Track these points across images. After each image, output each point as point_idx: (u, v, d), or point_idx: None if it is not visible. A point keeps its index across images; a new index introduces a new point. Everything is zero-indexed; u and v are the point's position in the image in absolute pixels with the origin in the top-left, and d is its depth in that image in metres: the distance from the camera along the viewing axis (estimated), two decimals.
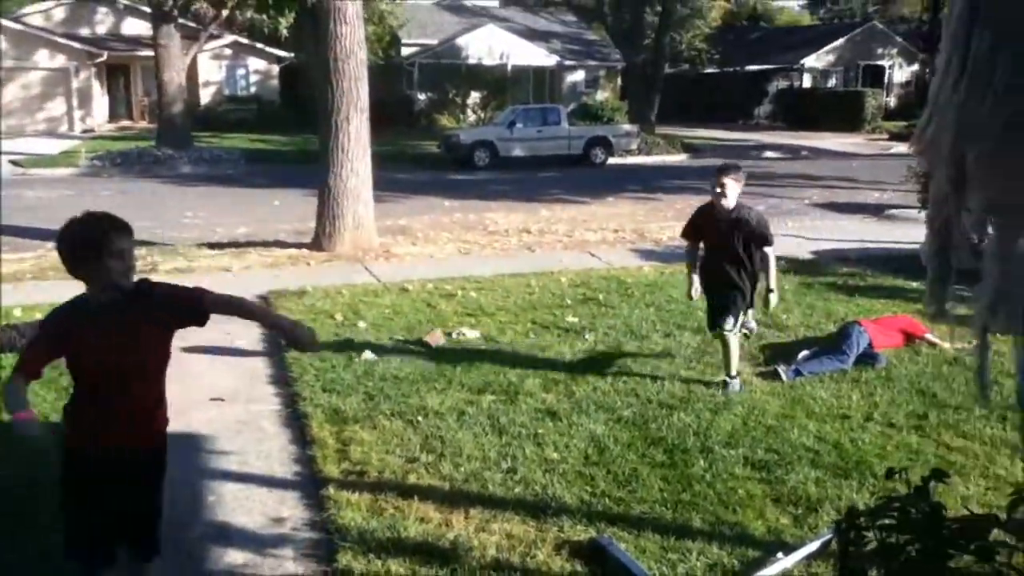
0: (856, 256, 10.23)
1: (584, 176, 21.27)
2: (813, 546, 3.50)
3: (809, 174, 20.82)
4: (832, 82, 41.69)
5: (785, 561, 3.42)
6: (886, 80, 41.58)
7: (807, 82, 41.50)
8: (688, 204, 15.95)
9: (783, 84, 41.59)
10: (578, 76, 39.70)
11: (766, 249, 5.50)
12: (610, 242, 11.77)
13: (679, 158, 26.60)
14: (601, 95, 38.28)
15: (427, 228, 12.97)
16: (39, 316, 7.05)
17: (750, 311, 5.79)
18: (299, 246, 10.96)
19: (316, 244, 10.85)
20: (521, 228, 12.96)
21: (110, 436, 2.84)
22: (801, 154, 27.51)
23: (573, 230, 12.74)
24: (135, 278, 2.86)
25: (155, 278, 3.07)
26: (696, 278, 5.81)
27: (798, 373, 5.80)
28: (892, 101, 41.09)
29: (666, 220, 13.88)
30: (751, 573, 3.37)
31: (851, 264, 9.70)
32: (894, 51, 42.12)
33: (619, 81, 39.63)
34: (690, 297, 5.97)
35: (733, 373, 5.60)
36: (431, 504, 4.04)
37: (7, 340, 6.29)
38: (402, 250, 11.04)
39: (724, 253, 5.51)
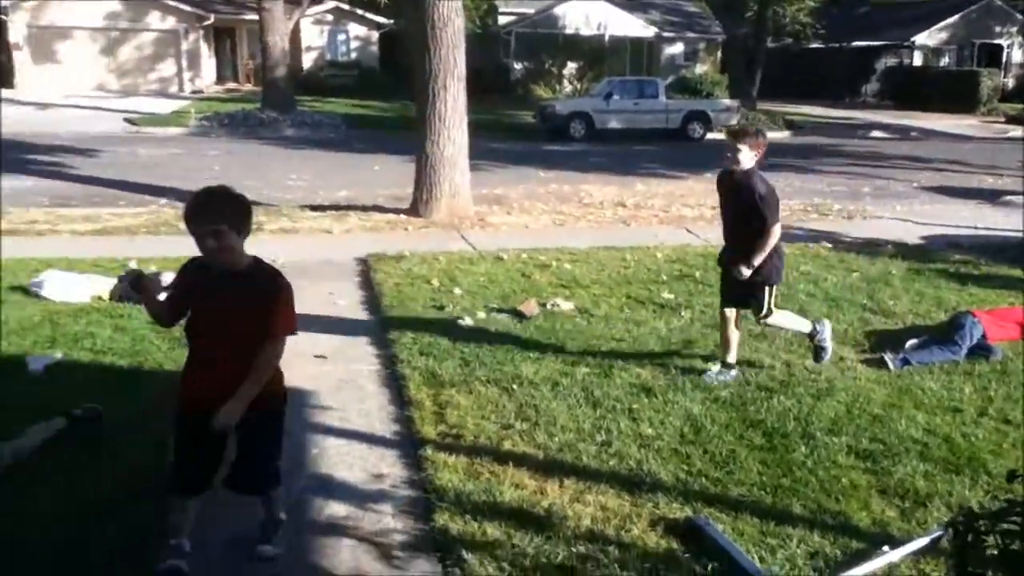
0: (969, 243, 9.77)
1: (681, 151, 20.89)
2: (922, 542, 3.38)
3: (918, 156, 19.97)
4: (945, 61, 39.73)
5: (891, 555, 3.32)
6: (1004, 60, 39.38)
7: (918, 60, 39.64)
8: (788, 183, 15.59)
9: (892, 62, 39.82)
10: (677, 48, 38.92)
11: (768, 227, 5.03)
12: (708, 219, 11.52)
13: (781, 135, 25.83)
14: (700, 68, 37.46)
15: (522, 198, 12.98)
16: (153, 268, 7.38)
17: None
18: (397, 211, 11.11)
19: (413, 210, 10.98)
20: (616, 201, 12.84)
21: (215, 394, 3.02)
22: (910, 135, 26.40)
23: (670, 205, 12.55)
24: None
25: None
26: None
27: (906, 362, 5.59)
28: (1010, 82, 38.93)
29: None
30: (855, 564, 3.28)
31: (963, 251, 9.27)
32: (1013, 29, 39.81)
33: (719, 54, 38.69)
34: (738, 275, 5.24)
35: (730, 360, 5.35)
36: (526, 471, 4.06)
37: (124, 290, 6.58)
38: (497, 219, 11.07)
39: (745, 222, 5.13)
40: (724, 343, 5.42)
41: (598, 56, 34.89)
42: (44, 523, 3.54)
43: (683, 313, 6.74)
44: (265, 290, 3.09)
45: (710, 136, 23.66)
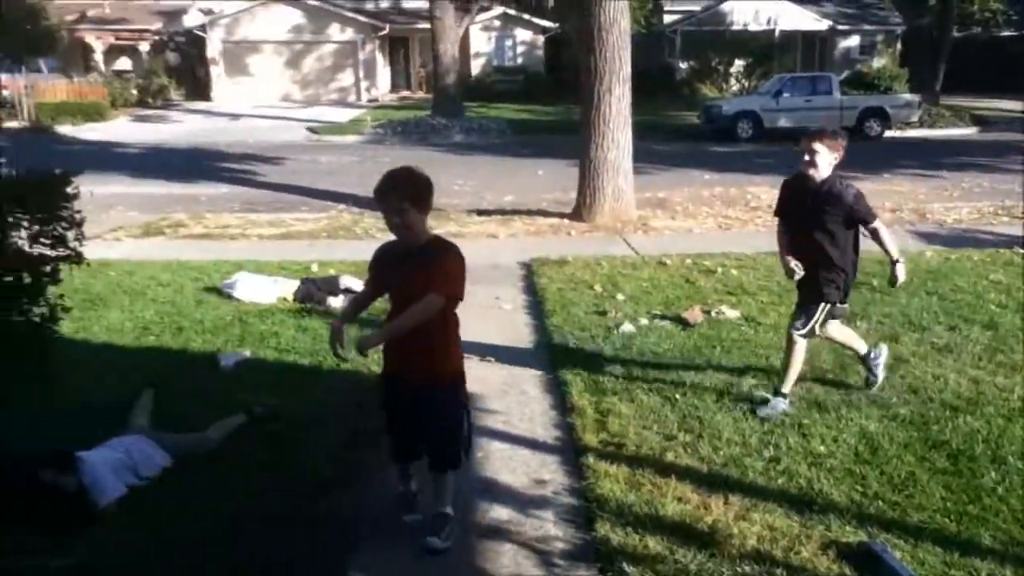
0: None
1: (857, 150, 19.48)
2: None
3: None
4: None
5: None
6: None
7: None
8: (977, 183, 14.53)
9: None
10: (852, 41, 37.09)
11: (874, 225, 4.81)
12: (887, 222, 10.65)
13: (967, 132, 24.16)
14: (878, 62, 35.41)
15: (686, 201, 12.78)
16: (332, 272, 7.80)
17: (839, 308, 4.94)
18: (560, 216, 11.21)
19: (576, 214, 11.04)
20: None
21: (403, 368, 3.48)
22: None
23: None
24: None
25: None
26: (791, 258, 4.83)
27: None
28: None
29: (951, 200, 12.71)
30: None
31: None
32: None
33: (898, 47, 36.52)
34: (790, 274, 4.89)
35: (785, 390, 4.84)
36: (689, 484, 4.00)
37: (305, 292, 6.99)
38: (660, 223, 10.96)
39: (811, 233, 4.78)
40: (785, 367, 4.90)
41: (767, 52, 33.73)
42: (236, 504, 3.82)
43: (858, 323, 6.42)
44: (436, 256, 3.39)
45: (888, 133, 22.44)
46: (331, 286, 7.15)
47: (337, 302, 6.92)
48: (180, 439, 4.22)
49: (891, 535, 3.54)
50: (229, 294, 7.10)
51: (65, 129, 23.91)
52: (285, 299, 7.04)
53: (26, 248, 2.21)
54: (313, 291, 7.01)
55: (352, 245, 9.51)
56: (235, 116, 28.35)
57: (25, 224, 2.20)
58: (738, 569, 3.29)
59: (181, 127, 25.78)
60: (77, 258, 2.40)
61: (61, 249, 2.34)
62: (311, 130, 24.01)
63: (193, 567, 3.39)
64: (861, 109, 22.47)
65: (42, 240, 2.28)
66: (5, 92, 25.65)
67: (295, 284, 7.18)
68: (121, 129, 25.08)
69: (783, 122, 22.21)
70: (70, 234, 2.34)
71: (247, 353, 5.78)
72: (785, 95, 22.44)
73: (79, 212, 2.44)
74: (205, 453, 4.21)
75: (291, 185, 14.59)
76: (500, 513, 3.83)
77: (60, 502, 3.44)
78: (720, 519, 3.68)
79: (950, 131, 24.08)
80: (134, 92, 31.18)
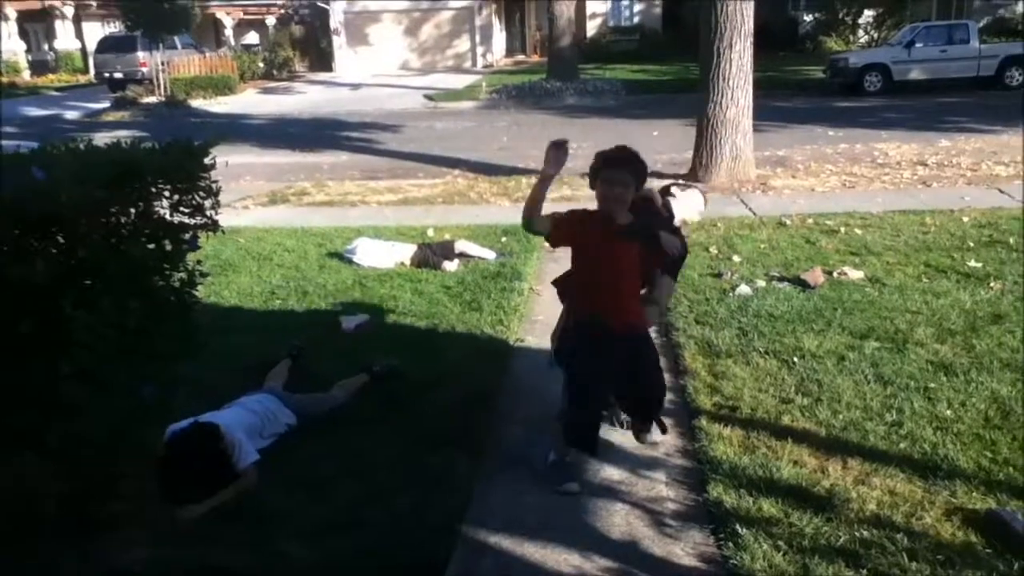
0: None
1: (995, 101, 18.66)
2: None
3: None
4: None
5: None
6: None
7: None
8: None
9: None
10: None
11: None
12: None
13: None
14: (1022, 7, 32.92)
15: (808, 159, 12.35)
16: (447, 236, 7.95)
17: None
18: (675, 176, 11.01)
19: (692, 174, 10.84)
20: (916, 160, 11.81)
21: (597, 319, 3.65)
22: None
23: (979, 163, 11.32)
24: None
25: (544, 207, 3.63)
26: None
27: None
28: None
29: None
30: None
31: None
32: None
33: None
34: None
35: None
36: (805, 448, 3.92)
37: (422, 257, 7.17)
38: (780, 183, 10.64)
39: None
40: None
41: (899, 1, 31.86)
42: (364, 460, 4.00)
43: (992, 284, 6.10)
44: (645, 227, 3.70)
45: None
46: (446, 251, 7.29)
47: (452, 266, 7.06)
48: (306, 399, 4.42)
49: (1022, 503, 3.39)
50: (350, 259, 7.35)
51: (197, 103, 25.08)
52: (403, 264, 7.23)
53: (167, 217, 2.37)
54: (429, 256, 7.18)
55: (467, 210, 9.65)
56: (355, 86, 29.03)
57: (166, 194, 2.36)
58: (856, 534, 3.22)
59: (304, 98, 26.61)
60: (213, 226, 2.55)
61: (199, 217, 2.49)
62: (428, 97, 24.34)
63: (312, 523, 3.57)
64: (1002, 58, 20.99)
65: (181, 209, 2.44)
66: (144, 69, 27.09)
67: (412, 248, 7.36)
68: (249, 101, 26.12)
69: (914, 74, 21.07)
70: (207, 203, 2.50)
71: (367, 316, 5.99)
72: (918, 45, 21.21)
73: (216, 182, 2.59)
74: (328, 411, 4.40)
75: (408, 152, 14.88)
76: (611, 473, 3.87)
77: (214, 470, 3.66)
78: (838, 483, 3.60)
79: None
80: (261, 65, 32.35)
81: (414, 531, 3.41)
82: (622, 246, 3.64)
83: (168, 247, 2.40)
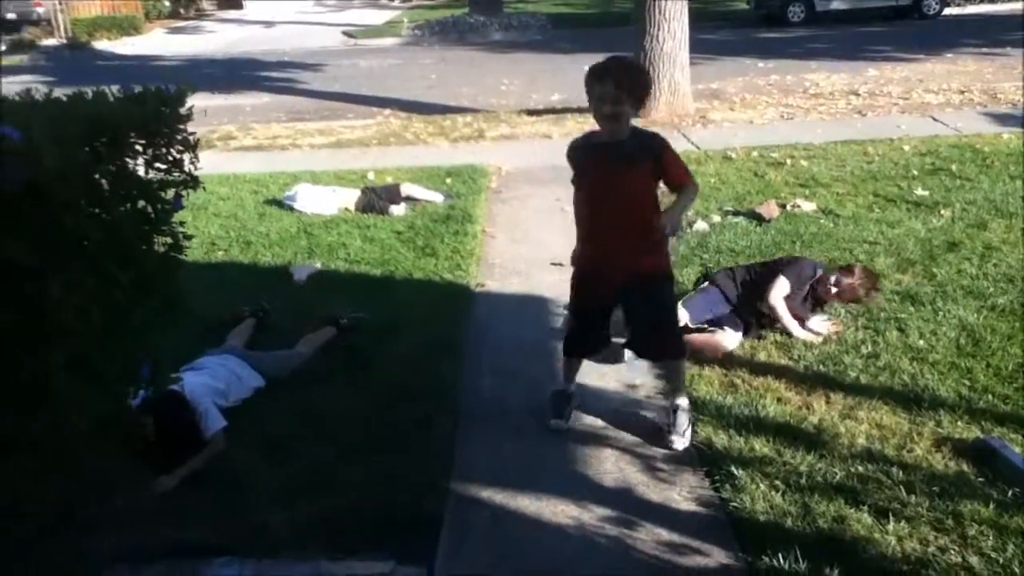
0: None
1: (915, 30, 18.97)
2: None
3: None
4: None
5: None
6: None
7: None
8: None
9: None
10: None
11: None
12: (955, 105, 10.46)
13: (1014, 6, 22.82)
14: None
15: (742, 91, 12.33)
16: (389, 179, 7.67)
17: None
18: None
19: None
20: (847, 90, 11.89)
21: (607, 257, 3.42)
22: None
23: (909, 91, 11.46)
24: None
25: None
26: None
27: None
28: None
29: (1021, 79, 12.05)
30: None
31: None
32: None
33: None
34: None
35: None
36: (785, 384, 3.90)
37: (367, 202, 6.89)
38: (719, 116, 10.59)
39: None
40: None
41: None
42: (334, 419, 3.81)
43: (942, 212, 6.18)
44: (651, 147, 3.35)
45: (948, 11, 21.30)
46: (391, 195, 7.03)
47: (399, 210, 6.81)
48: (271, 358, 4.18)
49: (1006, 429, 3.43)
50: (291, 206, 7.02)
51: (102, 44, 23.68)
52: (347, 209, 6.94)
53: (142, 174, 2.09)
54: (375, 200, 6.90)
55: (405, 151, 9.34)
56: (269, 23, 27.82)
57: (139, 149, 2.07)
58: (851, 469, 3.20)
59: (216, 37, 25.38)
60: (194, 183, 2.28)
61: (177, 173, 2.21)
62: (347, 34, 23.48)
63: (292, 486, 3.39)
64: None
65: (157, 165, 2.15)
66: (40, 9, 25.37)
67: (355, 193, 7.06)
68: (157, 42, 24.78)
69: (836, 4, 21.15)
70: (186, 157, 2.21)
71: (318, 265, 5.73)
72: None
73: (193, 133, 2.30)
74: (294, 369, 4.18)
75: (334, 92, 14.32)
76: (594, 420, 3.77)
77: (182, 439, 3.43)
78: (825, 419, 3.58)
79: (1013, 5, 22.72)
80: (167, 4, 30.70)
81: (401, 490, 3.26)
82: (623, 171, 3.31)
83: (149, 209, 2.13)
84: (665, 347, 3.60)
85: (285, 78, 16.33)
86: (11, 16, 26.36)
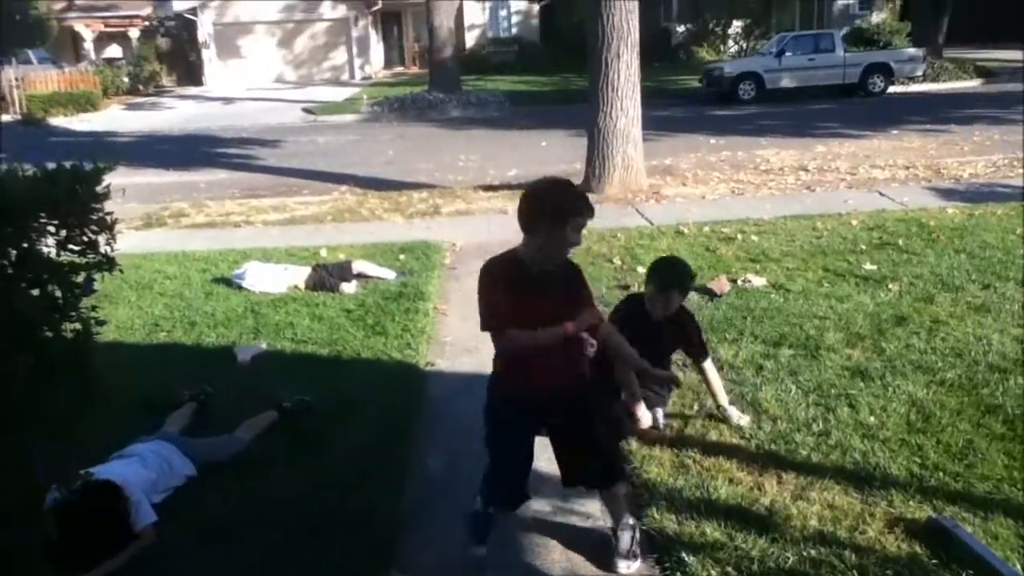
0: None
1: (862, 107, 19.65)
2: None
3: None
4: None
5: None
6: None
7: None
8: (987, 135, 14.28)
9: None
10: None
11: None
12: (901, 180, 10.73)
13: (971, 84, 23.84)
14: (877, 17, 34.97)
15: (694, 167, 12.55)
16: (342, 256, 7.59)
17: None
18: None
19: (586, 185, 10.77)
20: (797, 166, 12.17)
21: (543, 383, 3.09)
22: None
23: (856, 167, 11.76)
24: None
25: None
26: None
27: None
28: None
29: (963, 154, 12.48)
30: None
31: None
32: None
33: (898, 0, 35.94)
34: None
35: None
36: (736, 464, 3.83)
37: (317, 279, 6.79)
38: (672, 191, 10.73)
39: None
40: None
41: (765, 11, 33.26)
42: (275, 507, 3.65)
43: (890, 286, 6.23)
44: (577, 278, 3.18)
45: (892, 89, 22.13)
46: (343, 272, 6.94)
47: (350, 288, 6.72)
48: (207, 445, 4.02)
49: (958, 508, 3.38)
50: (239, 284, 6.89)
51: (58, 120, 23.58)
52: (297, 287, 6.84)
53: (53, 257, 1.98)
54: (325, 278, 6.81)
55: (359, 227, 9.29)
56: (228, 100, 27.97)
57: (51, 230, 1.97)
58: (804, 553, 3.12)
59: (174, 113, 25.43)
60: (109, 265, 2.17)
61: (92, 255, 2.10)
62: (307, 111, 23.66)
63: None
64: (865, 66, 22.07)
65: (70, 247, 2.05)
66: None
67: (306, 271, 6.96)
68: (114, 117, 24.73)
69: (786, 82, 21.90)
70: (101, 239, 2.11)
71: (263, 345, 5.60)
72: (788, 54, 22.06)
73: (111, 213, 2.19)
74: (233, 456, 4.02)
75: (291, 168, 14.33)
76: (541, 505, 3.65)
77: (109, 532, 3.25)
78: (776, 500, 3.51)
79: (954, 84, 23.73)
80: (125, 80, 30.76)
81: None
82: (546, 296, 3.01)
83: (57, 293, 2.02)
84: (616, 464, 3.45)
85: (242, 154, 16.33)
86: None
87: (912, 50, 23.60)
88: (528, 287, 2.96)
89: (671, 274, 4.22)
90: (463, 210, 9.98)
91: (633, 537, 3.22)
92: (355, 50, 34.91)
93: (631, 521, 3.27)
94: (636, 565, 3.19)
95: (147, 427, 4.16)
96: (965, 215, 8.38)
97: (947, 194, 9.60)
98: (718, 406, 4.30)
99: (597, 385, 3.38)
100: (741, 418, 4.23)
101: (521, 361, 3.06)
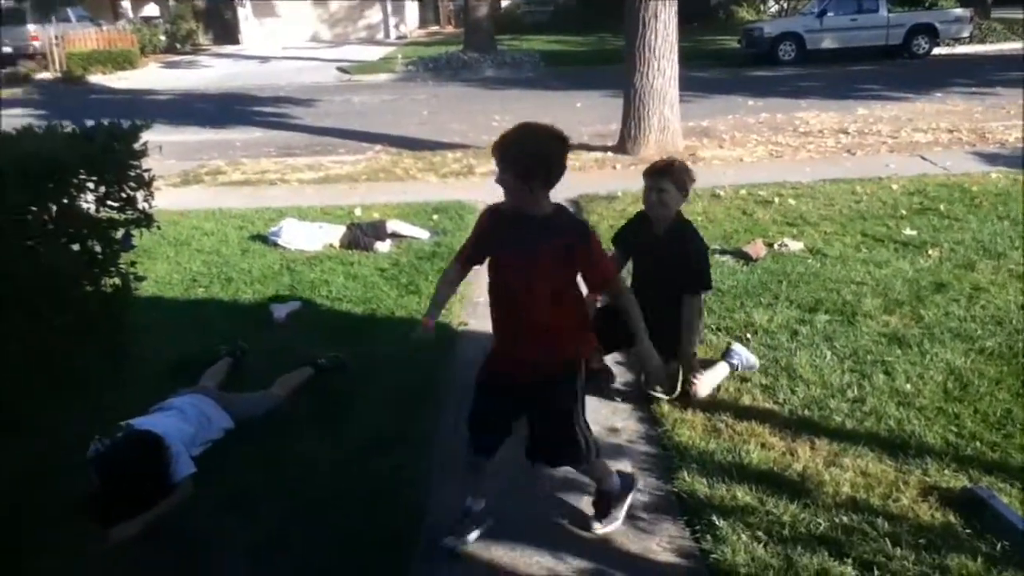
0: None
1: (905, 69, 19.16)
2: None
3: None
4: None
5: None
6: None
7: None
8: None
9: None
10: None
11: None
12: (944, 144, 10.49)
13: (1019, 46, 23.06)
14: None
15: (732, 129, 12.35)
16: (376, 215, 7.62)
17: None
18: (604, 149, 10.88)
19: (620, 147, 10.70)
20: (837, 128, 11.92)
21: (514, 350, 2.98)
22: None
23: (898, 130, 11.50)
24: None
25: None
26: None
27: None
28: None
29: (1009, 118, 12.13)
30: None
31: None
32: None
33: None
34: None
35: None
36: (769, 429, 3.81)
37: (352, 238, 6.83)
38: (708, 153, 10.59)
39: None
40: None
41: None
42: (304, 468, 3.71)
43: (930, 252, 6.13)
44: (571, 233, 2.91)
45: (937, 51, 21.54)
46: (377, 231, 6.97)
47: (384, 247, 6.75)
48: (244, 400, 4.08)
49: (994, 478, 3.34)
50: (275, 242, 6.95)
51: (96, 78, 23.75)
52: (332, 245, 6.88)
53: (92, 212, 2.01)
54: (360, 236, 6.84)
55: (393, 187, 9.29)
56: (264, 59, 27.99)
57: (91, 186, 1.99)
58: (835, 520, 3.11)
59: (211, 72, 25.50)
60: (147, 221, 2.19)
61: (130, 212, 2.13)
62: (342, 70, 23.60)
63: (250, 540, 3.28)
64: (909, 26, 21.46)
65: (109, 203, 2.07)
66: (35, 43, 25.50)
67: (340, 230, 7.00)
68: (151, 76, 24.88)
69: (827, 43, 21.38)
70: (139, 195, 2.13)
71: (298, 303, 5.65)
72: (829, 14, 21.52)
73: (148, 170, 2.21)
74: (268, 411, 4.08)
75: (326, 127, 14.34)
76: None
77: (150, 483, 3.32)
78: (809, 466, 3.49)
79: (1002, 46, 23.02)
80: (162, 38, 30.89)
81: (367, 545, 3.15)
82: (531, 255, 2.85)
83: (97, 248, 2.05)
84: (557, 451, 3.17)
85: (277, 113, 16.36)
86: (7, 50, 26.49)
87: (959, 10, 22.90)
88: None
89: (659, 162, 4.19)
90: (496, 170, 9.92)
91: (607, 502, 3.21)
92: (390, 9, 34.71)
93: (605, 487, 3.22)
94: (610, 527, 3.19)
95: (184, 381, 4.23)
96: (1010, 180, 8.18)
97: (991, 159, 9.36)
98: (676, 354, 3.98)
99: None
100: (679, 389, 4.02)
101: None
